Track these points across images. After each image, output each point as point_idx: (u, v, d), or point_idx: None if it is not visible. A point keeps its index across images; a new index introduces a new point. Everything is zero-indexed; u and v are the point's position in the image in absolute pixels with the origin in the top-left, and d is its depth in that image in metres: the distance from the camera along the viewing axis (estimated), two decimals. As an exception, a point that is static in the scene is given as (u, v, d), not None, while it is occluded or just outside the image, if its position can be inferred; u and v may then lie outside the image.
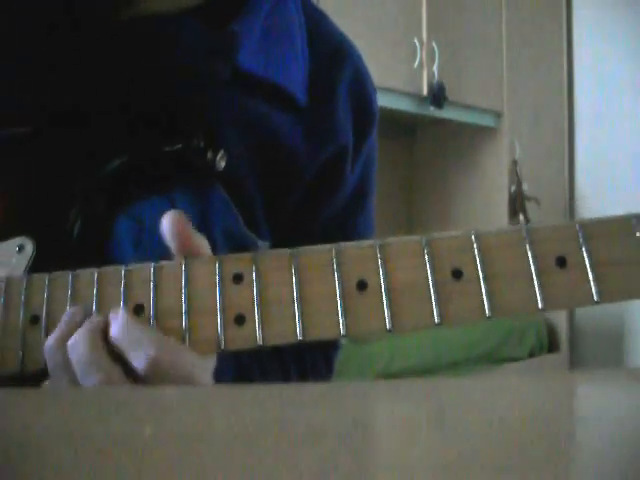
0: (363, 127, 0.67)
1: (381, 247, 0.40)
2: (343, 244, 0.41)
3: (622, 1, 3.24)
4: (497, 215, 3.12)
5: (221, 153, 0.54)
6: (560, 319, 3.22)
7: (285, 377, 0.62)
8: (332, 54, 0.66)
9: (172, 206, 0.53)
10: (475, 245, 0.39)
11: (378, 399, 0.25)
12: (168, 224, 0.43)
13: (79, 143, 0.54)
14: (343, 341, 0.68)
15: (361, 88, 0.67)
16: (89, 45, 0.57)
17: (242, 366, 0.58)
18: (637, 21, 3.18)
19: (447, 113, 2.96)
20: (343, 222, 0.66)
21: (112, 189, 0.53)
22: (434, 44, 2.86)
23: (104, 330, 0.42)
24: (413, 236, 0.41)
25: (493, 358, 2.80)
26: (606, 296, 0.37)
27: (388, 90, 2.72)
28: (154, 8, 0.58)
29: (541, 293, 0.38)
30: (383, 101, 2.97)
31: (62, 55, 0.56)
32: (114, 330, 0.42)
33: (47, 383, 0.43)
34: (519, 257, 0.38)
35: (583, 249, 0.38)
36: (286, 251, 0.42)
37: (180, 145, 0.53)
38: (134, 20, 0.57)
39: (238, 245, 0.56)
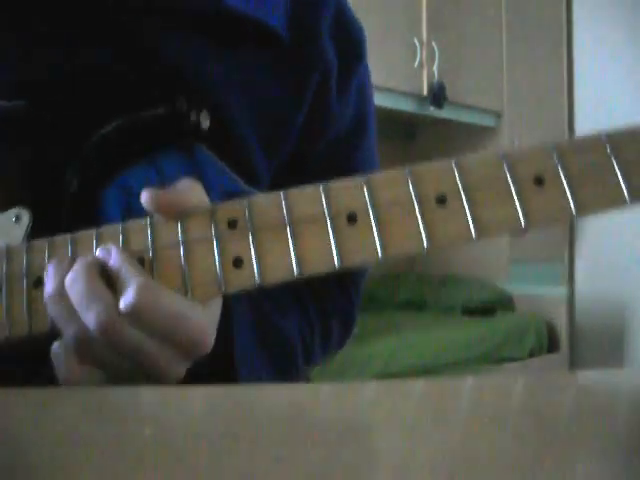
0: (348, 59, 0.67)
1: (367, 181, 0.43)
2: (330, 182, 0.43)
3: (622, 1, 3.24)
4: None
5: (204, 112, 0.54)
6: (560, 319, 3.22)
7: (305, 318, 0.63)
8: None
9: (158, 172, 0.54)
10: (456, 171, 0.41)
11: (378, 399, 0.25)
12: (145, 204, 0.44)
13: (66, 111, 0.55)
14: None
15: (345, 21, 0.68)
16: (71, 7, 0.57)
17: (261, 311, 0.58)
18: (637, 21, 3.18)
19: (447, 113, 2.96)
20: (339, 158, 0.66)
21: (102, 157, 0.53)
22: (434, 44, 2.86)
23: (98, 265, 0.43)
24: (397, 169, 0.43)
25: (493, 358, 2.80)
26: (582, 209, 0.39)
27: (388, 90, 2.72)
28: None
29: (522, 211, 0.40)
30: (383, 101, 2.97)
31: (40, 22, 0.56)
32: (113, 260, 0.43)
33: (56, 344, 0.43)
34: (498, 179, 0.41)
35: (558, 166, 0.40)
36: (277, 193, 0.44)
37: (163, 108, 0.53)
38: None
39: None
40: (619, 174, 0.39)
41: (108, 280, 0.43)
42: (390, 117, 3.06)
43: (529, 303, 3.15)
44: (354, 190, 0.43)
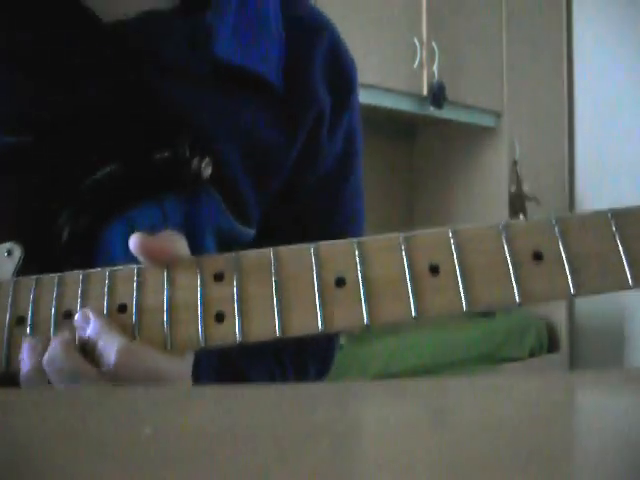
0: (341, 95, 0.67)
1: (359, 244, 0.41)
2: (321, 242, 0.42)
3: (622, 1, 3.24)
4: (497, 215, 3.12)
5: (206, 160, 0.54)
6: (560, 319, 3.22)
7: (278, 360, 0.63)
8: (307, 28, 0.67)
9: (162, 212, 0.55)
10: (452, 240, 0.40)
11: (378, 399, 0.25)
12: (133, 249, 0.44)
13: (69, 150, 0.55)
14: (342, 341, 0.68)
15: (337, 57, 0.68)
16: (75, 52, 0.57)
17: (227, 357, 0.58)
18: (637, 21, 3.18)
19: (447, 113, 2.96)
20: (328, 191, 0.67)
21: (102, 196, 0.54)
22: (434, 44, 2.86)
23: (74, 340, 0.43)
24: (391, 233, 0.41)
25: (493, 358, 2.80)
26: (582, 289, 0.38)
27: (388, 90, 2.72)
28: (133, 9, 0.58)
29: (518, 287, 0.38)
30: (383, 101, 2.98)
31: (47, 63, 0.57)
32: (92, 330, 0.43)
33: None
34: (496, 252, 0.39)
35: (559, 243, 0.38)
36: (267, 250, 0.43)
37: (167, 154, 0.54)
38: (120, 23, 0.58)
39: (233, 243, 0.57)
40: (623, 257, 0.37)
41: (85, 346, 0.43)
42: (390, 117, 3.06)
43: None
44: (345, 253, 0.41)
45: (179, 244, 0.45)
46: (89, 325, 0.43)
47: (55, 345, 0.43)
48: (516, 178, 3.17)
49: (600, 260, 0.38)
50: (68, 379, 0.42)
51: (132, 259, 0.46)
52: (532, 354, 2.99)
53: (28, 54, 0.57)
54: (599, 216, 0.39)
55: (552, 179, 3.37)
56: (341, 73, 0.68)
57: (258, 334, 0.42)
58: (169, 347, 0.43)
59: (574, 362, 3.28)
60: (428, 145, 3.46)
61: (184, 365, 0.44)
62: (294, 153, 0.63)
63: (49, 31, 0.57)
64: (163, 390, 0.37)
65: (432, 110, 2.89)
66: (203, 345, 0.42)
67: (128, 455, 0.18)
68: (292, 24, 0.65)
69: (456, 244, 0.40)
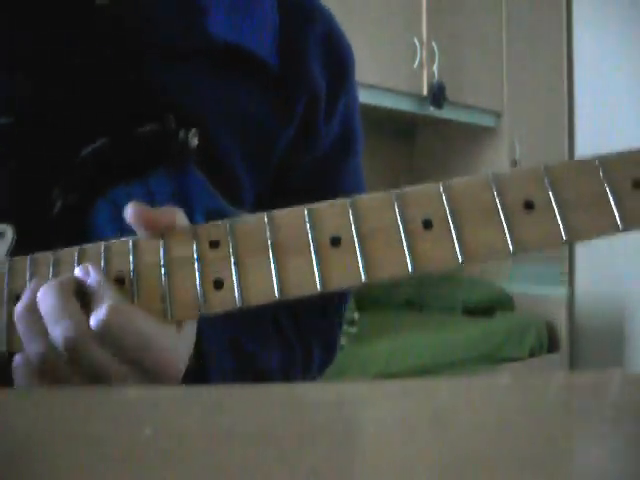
0: (336, 80, 0.67)
1: (352, 203, 0.42)
2: (315, 204, 0.43)
3: (622, 1, 3.23)
4: (497, 215, 3.12)
5: (193, 131, 0.54)
6: (560, 319, 3.22)
7: (286, 347, 0.63)
8: (302, 11, 0.67)
9: (147, 190, 0.54)
10: (444, 195, 0.40)
11: (378, 399, 0.25)
12: (129, 219, 0.44)
13: (56, 129, 0.55)
14: (342, 341, 0.68)
15: (333, 42, 0.68)
16: (65, 30, 0.57)
17: (237, 343, 0.58)
18: (637, 21, 3.18)
19: (447, 113, 2.96)
20: (324, 175, 0.66)
21: (90, 174, 0.53)
22: (434, 44, 2.86)
23: (74, 283, 0.43)
24: (383, 192, 0.42)
25: (493, 358, 2.80)
26: (573, 235, 0.39)
27: (388, 90, 2.72)
28: None
29: (510, 236, 0.39)
30: (383, 101, 2.97)
31: (36, 39, 0.57)
32: (91, 279, 0.43)
33: (19, 357, 0.43)
34: (487, 203, 0.40)
35: (549, 191, 0.39)
36: (261, 214, 0.43)
37: (152, 126, 0.53)
38: (110, 4, 0.57)
39: None
40: (612, 200, 0.38)
41: (83, 300, 0.42)
42: (390, 117, 3.06)
43: (529, 303, 3.15)
44: (339, 213, 0.42)
45: (178, 215, 0.45)
46: (89, 277, 0.43)
47: (53, 281, 0.43)
48: (516, 178, 3.17)
49: (589, 206, 0.39)
50: (57, 319, 0.41)
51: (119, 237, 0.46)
52: (532, 354, 2.99)
53: (4, 30, 0.57)
54: (587, 163, 0.40)
55: (552, 179, 3.37)
56: (337, 57, 0.68)
57: (258, 298, 0.42)
58: (169, 317, 0.43)
59: (574, 362, 3.28)
60: (428, 145, 3.46)
61: (181, 339, 0.43)
62: (289, 135, 0.63)
63: (44, 9, 0.57)
64: (163, 390, 0.37)
65: (432, 110, 2.89)
66: (203, 311, 0.42)
67: (128, 455, 0.18)
68: (287, 6, 0.65)
69: (447, 198, 0.40)
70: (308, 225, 0.42)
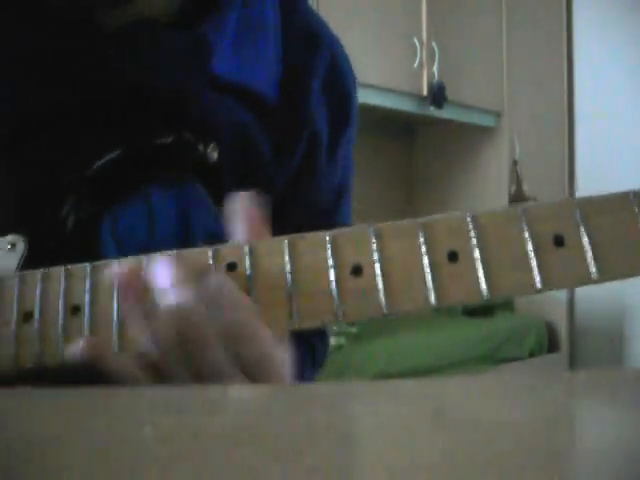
0: (340, 119, 0.66)
1: (376, 230, 0.40)
2: (338, 229, 0.41)
3: (622, 1, 3.24)
4: (497, 215, 3.12)
5: (212, 145, 0.54)
6: (560, 319, 3.22)
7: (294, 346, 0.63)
8: (306, 41, 0.65)
9: (148, 209, 0.53)
10: (471, 226, 0.38)
11: (378, 399, 0.25)
12: (237, 209, 0.43)
13: (69, 141, 0.54)
14: (342, 341, 0.68)
15: (336, 71, 0.67)
16: (77, 49, 0.57)
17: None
18: (637, 21, 3.18)
19: (447, 113, 2.96)
20: (328, 220, 0.66)
21: (103, 186, 0.53)
22: (434, 44, 2.86)
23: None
24: (408, 219, 0.40)
25: (493, 358, 2.80)
26: (605, 275, 0.37)
27: (388, 90, 2.72)
28: (135, 14, 0.57)
29: (539, 273, 0.37)
30: (383, 101, 2.97)
31: (49, 56, 0.56)
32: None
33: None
34: (515, 237, 0.38)
35: (581, 227, 0.37)
36: (282, 238, 0.41)
37: (171, 137, 0.52)
38: (120, 28, 0.57)
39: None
40: None
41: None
42: (390, 117, 3.06)
43: (529, 303, 3.15)
44: (362, 240, 0.40)
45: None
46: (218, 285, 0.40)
47: (221, 275, 0.40)
48: (516, 178, 3.17)
49: (622, 244, 0.37)
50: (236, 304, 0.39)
51: (123, 253, 0.45)
52: (532, 354, 3.00)
53: (29, 53, 0.57)
54: (621, 198, 0.37)
55: (552, 179, 3.37)
56: (340, 87, 0.67)
57: (273, 326, 0.40)
58: (295, 322, 0.40)
59: (574, 362, 3.29)
60: (428, 145, 3.46)
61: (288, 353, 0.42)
62: (288, 172, 0.62)
63: (50, 32, 0.57)
64: (163, 390, 0.37)
65: (432, 110, 2.89)
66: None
67: (128, 455, 0.18)
68: (291, 34, 0.64)
69: (475, 229, 0.38)
70: (329, 251, 0.40)
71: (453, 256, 0.38)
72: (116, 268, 0.42)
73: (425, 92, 2.85)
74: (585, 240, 0.37)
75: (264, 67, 0.62)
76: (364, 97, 2.78)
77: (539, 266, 0.37)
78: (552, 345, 3.16)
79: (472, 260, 0.38)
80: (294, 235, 0.41)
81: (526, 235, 0.38)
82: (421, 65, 2.83)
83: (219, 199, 0.57)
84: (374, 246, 0.39)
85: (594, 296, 3.27)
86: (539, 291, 0.38)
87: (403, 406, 0.23)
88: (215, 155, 0.54)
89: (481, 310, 2.99)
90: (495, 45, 3.18)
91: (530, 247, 0.37)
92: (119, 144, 0.53)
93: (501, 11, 3.19)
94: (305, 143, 0.63)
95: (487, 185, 3.22)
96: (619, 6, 3.25)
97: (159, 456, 0.18)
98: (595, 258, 0.37)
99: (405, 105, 2.85)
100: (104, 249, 0.52)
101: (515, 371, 2.84)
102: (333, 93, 0.66)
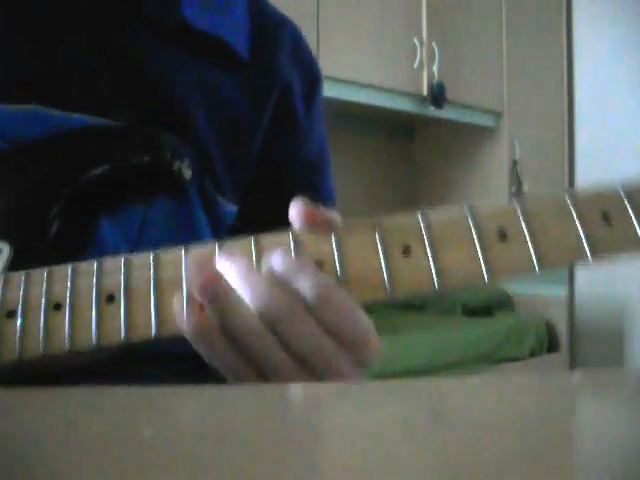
0: (310, 84, 0.70)
1: (334, 229, 0.44)
2: (298, 231, 0.44)
3: (622, 1, 3.23)
4: (497, 215, 3.12)
5: (187, 162, 0.56)
6: (560, 319, 3.22)
7: None
8: (271, 19, 0.69)
9: (143, 220, 0.56)
10: (422, 223, 0.44)
11: (377, 399, 0.25)
12: (294, 215, 0.44)
13: (58, 149, 0.56)
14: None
15: (302, 50, 0.71)
16: (56, 8, 0.58)
17: None
18: (637, 21, 3.18)
19: (447, 113, 2.96)
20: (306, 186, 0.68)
21: (92, 195, 0.54)
22: (434, 44, 2.86)
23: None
24: (363, 219, 0.44)
25: (493, 358, 2.80)
26: (545, 263, 0.41)
27: (388, 90, 2.72)
28: None
29: (485, 265, 0.42)
30: (383, 101, 2.97)
31: (28, 19, 0.58)
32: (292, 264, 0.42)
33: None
34: (463, 232, 0.43)
35: (522, 222, 0.42)
36: (249, 238, 0.44)
37: (147, 158, 0.55)
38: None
39: (222, 225, 0.60)
40: (579, 227, 0.41)
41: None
42: (390, 117, 3.06)
43: (529, 303, 3.15)
44: (322, 238, 0.43)
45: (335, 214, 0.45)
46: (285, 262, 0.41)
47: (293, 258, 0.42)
48: (516, 178, 3.17)
49: (559, 236, 0.42)
50: (305, 273, 0.40)
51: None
52: (532, 354, 2.99)
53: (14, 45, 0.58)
54: (556, 196, 0.43)
55: (552, 179, 3.37)
56: (308, 64, 0.70)
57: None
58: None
59: (574, 362, 3.28)
60: (428, 145, 3.46)
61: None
62: (263, 124, 0.65)
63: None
64: (163, 390, 0.37)
65: (432, 110, 2.89)
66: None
67: (128, 455, 0.18)
68: (257, 16, 0.68)
69: (426, 226, 0.44)
70: (292, 250, 0.43)
71: (406, 250, 0.43)
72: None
73: (425, 92, 2.85)
74: (526, 233, 0.42)
75: (233, 27, 0.64)
76: (364, 97, 2.78)
77: (485, 259, 0.42)
78: (552, 345, 3.16)
79: (423, 253, 0.43)
80: (259, 235, 0.44)
81: (473, 231, 0.43)
82: (421, 65, 2.83)
83: (208, 174, 0.58)
84: (333, 242, 0.43)
85: (594, 296, 3.27)
86: (486, 282, 0.42)
87: (403, 406, 0.23)
88: (189, 173, 0.56)
89: (481, 310, 2.99)
90: (495, 45, 3.17)
91: (476, 242, 0.42)
92: (101, 158, 0.55)
93: (501, 11, 3.18)
94: (276, 99, 0.66)
95: (487, 185, 3.22)
96: (619, 6, 3.24)
97: (159, 456, 0.18)
98: (535, 249, 0.41)
99: (405, 105, 2.85)
100: (87, 256, 0.53)
101: (515, 371, 2.84)
102: (300, 57, 0.69)
